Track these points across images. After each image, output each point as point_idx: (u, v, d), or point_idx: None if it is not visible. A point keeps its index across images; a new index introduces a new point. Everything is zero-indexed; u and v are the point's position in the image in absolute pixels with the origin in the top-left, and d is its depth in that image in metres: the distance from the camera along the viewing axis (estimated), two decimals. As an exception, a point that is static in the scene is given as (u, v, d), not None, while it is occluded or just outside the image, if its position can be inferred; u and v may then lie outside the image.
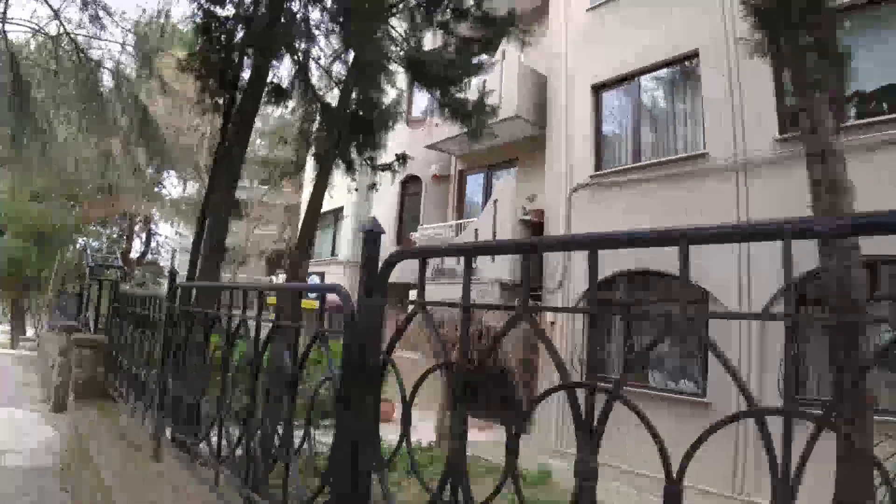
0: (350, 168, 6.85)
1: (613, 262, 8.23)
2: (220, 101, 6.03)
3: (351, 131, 6.03)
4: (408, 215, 14.78)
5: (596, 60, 9.65)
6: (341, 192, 18.27)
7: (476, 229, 10.59)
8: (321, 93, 6.94)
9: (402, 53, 6.12)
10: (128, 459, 3.10)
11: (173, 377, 3.12)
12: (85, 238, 23.61)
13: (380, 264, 1.59)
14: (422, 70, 5.88)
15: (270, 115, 20.59)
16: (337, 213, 18.62)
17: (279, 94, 6.55)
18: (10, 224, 21.59)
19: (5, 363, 13.10)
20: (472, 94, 6.54)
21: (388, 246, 14.84)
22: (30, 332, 25.46)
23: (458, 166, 13.67)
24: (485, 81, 6.81)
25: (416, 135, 13.21)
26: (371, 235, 1.62)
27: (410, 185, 14.40)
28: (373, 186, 7.14)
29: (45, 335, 13.37)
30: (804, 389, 6.90)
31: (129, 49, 8.50)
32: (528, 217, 10.19)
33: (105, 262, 9.60)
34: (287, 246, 27.56)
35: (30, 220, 21.18)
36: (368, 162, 7.05)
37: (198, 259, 5.49)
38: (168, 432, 3.21)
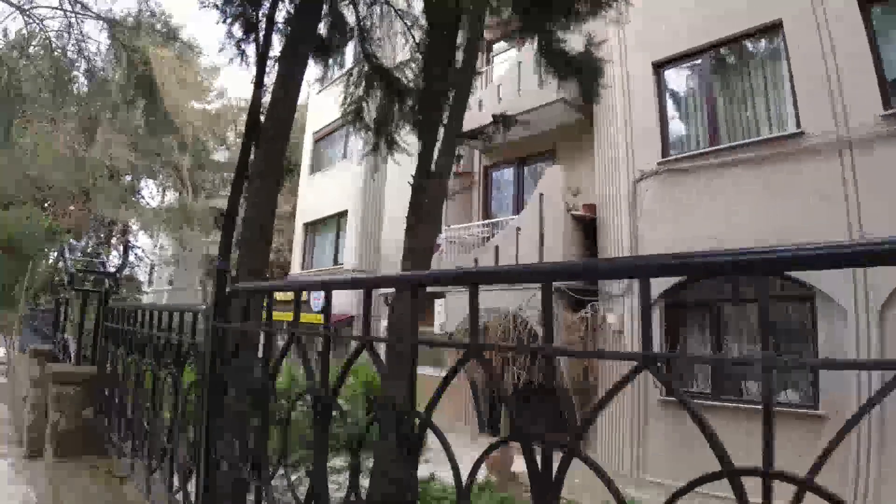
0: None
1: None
2: (247, 51, 4.70)
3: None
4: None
5: (658, 33, 8.47)
6: (344, 193, 16.89)
7: (518, 227, 9.33)
8: (371, 48, 5.56)
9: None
10: None
11: (245, 453, 1.77)
12: (63, 242, 21.69)
13: None
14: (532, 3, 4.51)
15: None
16: (339, 217, 17.09)
17: (319, 48, 5.14)
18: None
19: (-31, 392, 11.33)
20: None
21: (397, 253, 13.40)
22: (1, 353, 23.30)
23: (483, 161, 12.37)
24: (589, 31, 5.38)
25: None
26: None
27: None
28: (458, 160, 5.77)
29: (17, 358, 11.67)
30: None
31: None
32: (579, 212, 8.95)
33: (89, 268, 8.01)
34: (278, 255, 25.76)
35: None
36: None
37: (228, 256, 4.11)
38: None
